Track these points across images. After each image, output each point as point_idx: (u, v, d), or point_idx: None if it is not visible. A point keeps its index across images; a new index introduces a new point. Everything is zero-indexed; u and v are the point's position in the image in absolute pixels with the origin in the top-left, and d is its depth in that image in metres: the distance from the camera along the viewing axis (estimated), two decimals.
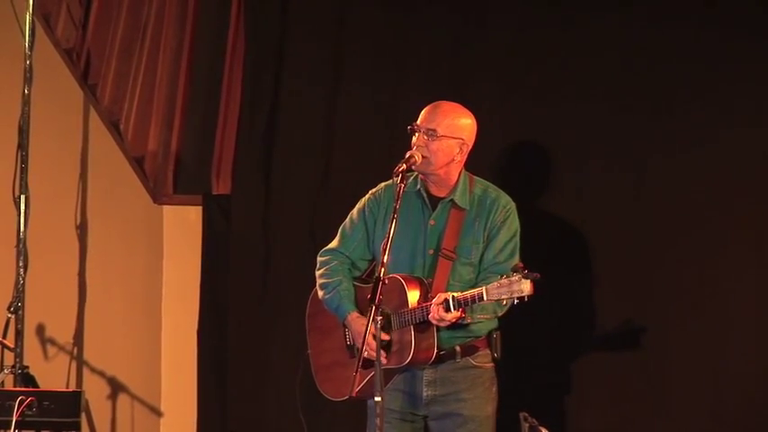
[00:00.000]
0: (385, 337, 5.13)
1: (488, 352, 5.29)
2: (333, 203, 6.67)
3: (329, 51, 6.81)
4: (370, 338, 4.95)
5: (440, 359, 5.20)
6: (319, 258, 5.44)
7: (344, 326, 5.33)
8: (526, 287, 4.90)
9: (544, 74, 6.42)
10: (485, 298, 5.00)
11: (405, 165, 5.14)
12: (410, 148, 5.22)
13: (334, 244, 5.43)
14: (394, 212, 5.03)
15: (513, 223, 5.28)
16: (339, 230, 5.44)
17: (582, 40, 6.38)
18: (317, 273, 5.41)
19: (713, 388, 6.12)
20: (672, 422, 6.18)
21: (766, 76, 6.15)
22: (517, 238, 5.27)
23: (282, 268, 6.83)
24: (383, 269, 4.91)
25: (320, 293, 5.37)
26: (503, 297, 4.96)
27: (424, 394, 5.25)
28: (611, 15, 6.34)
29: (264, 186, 6.91)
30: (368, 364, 5.08)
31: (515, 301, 4.97)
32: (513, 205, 5.30)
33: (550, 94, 6.39)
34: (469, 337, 5.24)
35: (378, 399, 4.81)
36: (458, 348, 5.23)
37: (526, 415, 5.49)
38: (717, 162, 6.19)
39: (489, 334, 5.29)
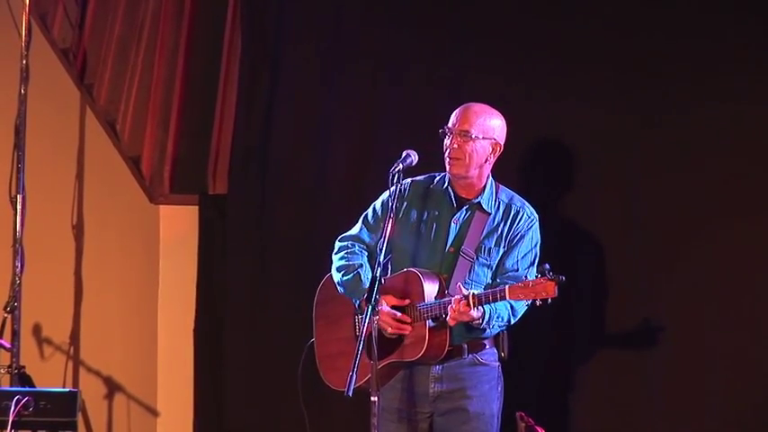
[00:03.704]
0: (405, 320, 5.13)
1: (495, 350, 5.30)
2: (329, 203, 6.68)
3: (326, 51, 6.81)
4: (382, 323, 4.99)
5: (448, 355, 5.19)
6: (338, 243, 5.42)
7: (356, 313, 5.31)
8: (551, 289, 4.92)
9: (544, 72, 6.40)
10: (507, 296, 5.00)
11: (401, 165, 5.13)
12: (444, 151, 5.22)
13: (354, 231, 5.42)
14: (390, 211, 5.03)
15: (536, 235, 5.31)
16: (360, 219, 5.43)
17: (583, 36, 6.38)
18: (335, 256, 5.38)
19: (712, 388, 6.10)
20: (670, 422, 6.17)
21: None
22: (537, 250, 5.30)
23: (279, 268, 6.82)
24: (380, 269, 4.92)
25: (336, 276, 5.34)
26: (525, 298, 4.97)
27: (431, 390, 5.24)
28: (615, 12, 6.35)
29: (260, 186, 6.91)
30: (378, 354, 4.96)
31: (538, 303, 4.97)
32: (536, 217, 5.33)
33: (552, 93, 6.37)
34: (478, 338, 5.25)
35: (374, 399, 4.81)
36: (465, 345, 5.23)
37: (522, 415, 5.50)
38: (723, 163, 6.18)
39: (496, 333, 5.29)
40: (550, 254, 5.29)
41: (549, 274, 4.92)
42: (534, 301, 4.97)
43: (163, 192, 7.20)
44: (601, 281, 6.28)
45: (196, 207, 7.17)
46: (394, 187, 5.07)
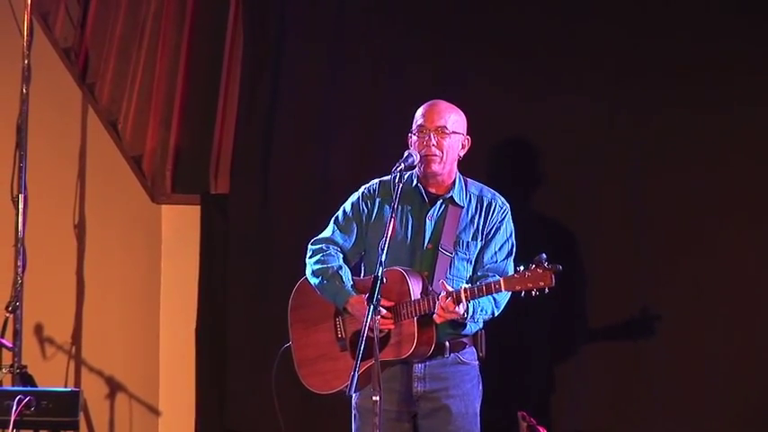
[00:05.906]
0: (387, 317, 5.12)
1: (474, 350, 5.30)
2: (331, 202, 6.64)
3: (327, 50, 6.81)
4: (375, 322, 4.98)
5: (431, 353, 5.18)
6: (312, 246, 5.40)
7: (337, 316, 5.30)
8: (548, 279, 4.90)
9: (546, 71, 6.41)
10: (502, 288, 4.99)
11: (403, 164, 5.14)
12: (419, 150, 5.22)
13: (327, 233, 5.41)
14: (393, 211, 5.04)
15: (509, 225, 5.32)
16: (331, 222, 5.43)
17: (584, 36, 6.37)
18: (311, 260, 5.36)
19: (711, 387, 6.12)
20: (672, 420, 6.17)
21: None
22: (513, 239, 5.31)
23: (280, 267, 6.82)
24: (382, 269, 4.92)
25: (314, 280, 5.32)
26: (522, 289, 4.95)
27: (414, 390, 5.25)
28: (607, 11, 6.35)
29: (263, 186, 6.91)
30: (364, 354, 4.95)
31: (534, 293, 4.96)
32: (508, 206, 5.34)
33: (545, 91, 6.38)
34: (458, 334, 5.25)
35: (376, 398, 4.81)
36: (447, 344, 5.23)
37: (524, 414, 5.50)
38: (714, 160, 6.19)
39: (475, 332, 5.29)
40: (549, 253, 5.29)
41: (545, 263, 4.91)
42: (531, 291, 4.95)
43: (165, 191, 7.21)
44: (601, 280, 6.29)
45: (198, 207, 7.17)
46: (397, 186, 5.08)
